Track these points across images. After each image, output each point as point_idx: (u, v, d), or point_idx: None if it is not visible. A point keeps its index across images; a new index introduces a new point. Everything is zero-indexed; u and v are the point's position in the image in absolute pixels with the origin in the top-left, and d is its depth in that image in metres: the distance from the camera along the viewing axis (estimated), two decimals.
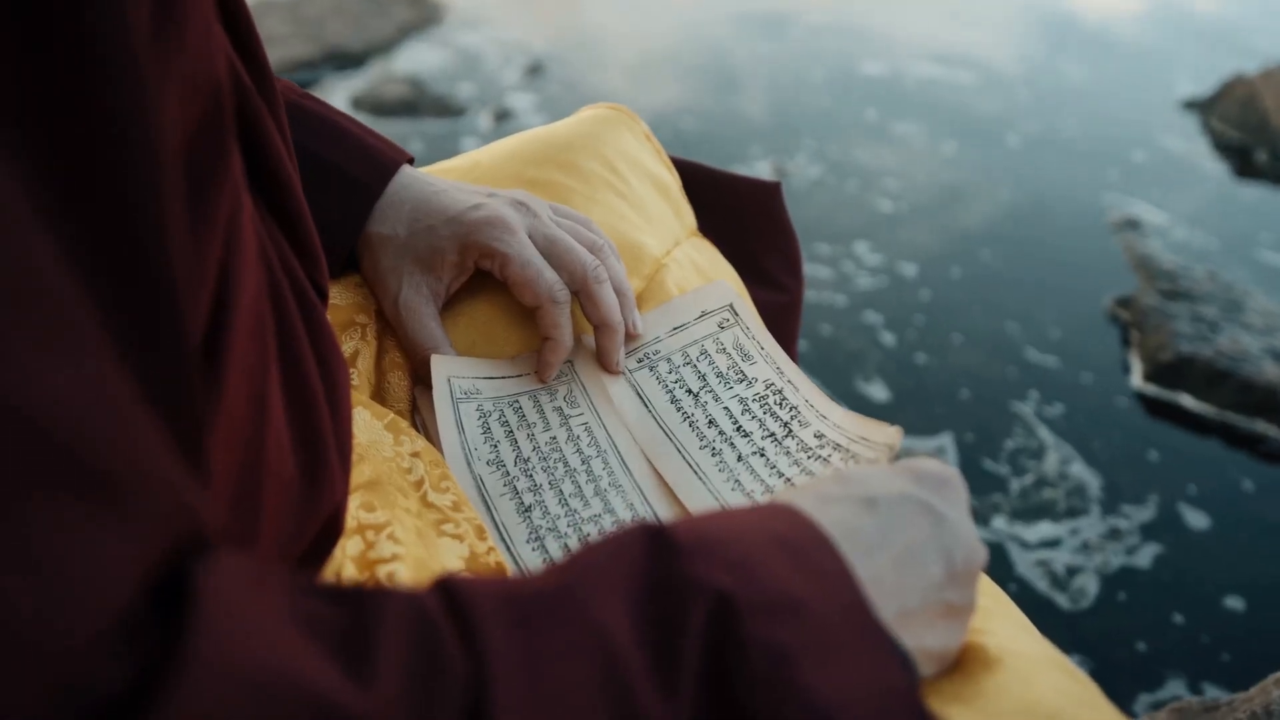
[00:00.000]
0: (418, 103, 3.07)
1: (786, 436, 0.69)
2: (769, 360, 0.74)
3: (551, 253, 0.70)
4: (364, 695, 0.27)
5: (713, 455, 0.68)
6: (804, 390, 0.73)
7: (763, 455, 0.68)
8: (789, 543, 0.39)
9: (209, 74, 0.34)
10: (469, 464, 0.66)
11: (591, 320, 0.72)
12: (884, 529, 0.43)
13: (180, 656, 0.25)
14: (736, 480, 0.66)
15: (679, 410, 0.71)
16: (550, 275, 0.69)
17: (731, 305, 0.77)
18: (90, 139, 0.27)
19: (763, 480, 0.66)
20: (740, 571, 0.36)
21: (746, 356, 0.74)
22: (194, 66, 0.32)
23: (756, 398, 0.71)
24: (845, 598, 0.37)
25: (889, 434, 0.69)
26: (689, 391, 0.72)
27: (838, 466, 0.64)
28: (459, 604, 0.32)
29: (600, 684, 0.32)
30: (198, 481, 0.30)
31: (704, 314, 0.75)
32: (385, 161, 0.72)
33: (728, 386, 0.72)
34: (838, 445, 0.69)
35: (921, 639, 0.42)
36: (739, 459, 0.68)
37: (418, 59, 3.50)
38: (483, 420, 0.68)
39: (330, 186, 0.69)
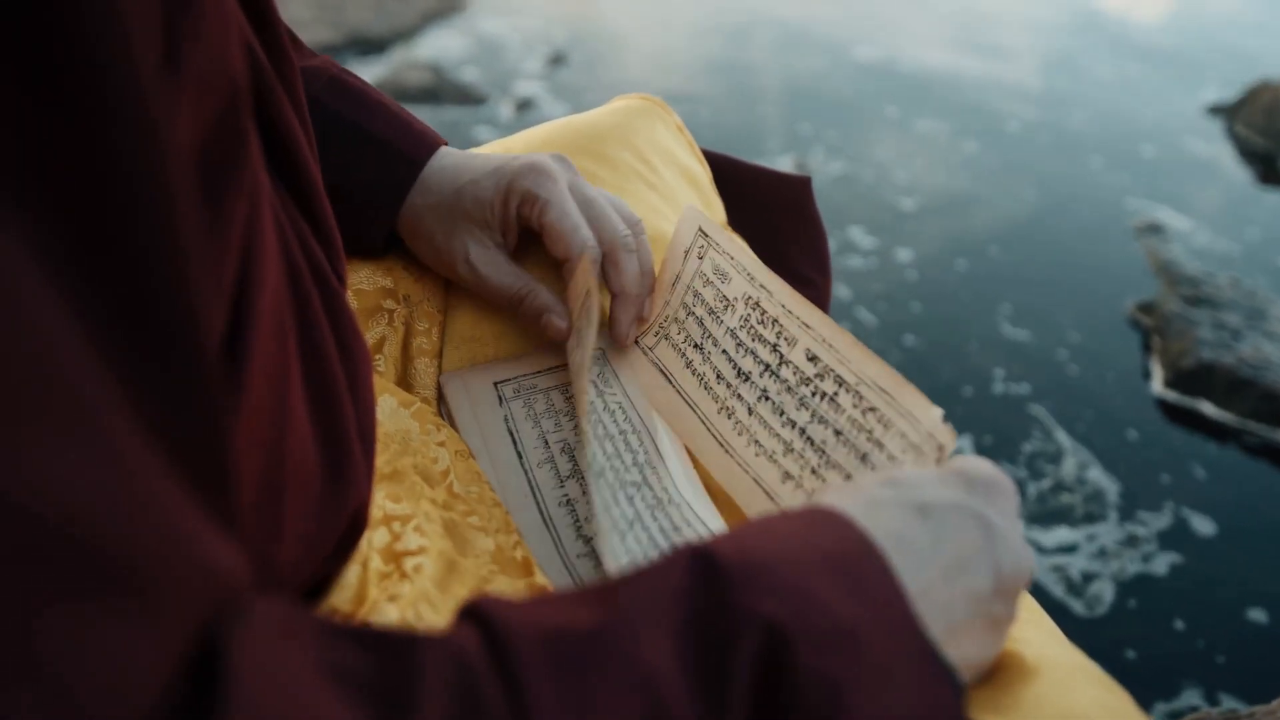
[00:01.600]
0: (439, 90, 3.06)
1: (780, 365, 0.65)
2: (740, 270, 0.69)
3: (588, 213, 0.69)
4: None
5: (729, 418, 0.66)
6: (779, 295, 0.67)
7: (767, 398, 0.64)
8: (839, 562, 0.38)
9: (226, 72, 0.33)
10: (525, 468, 0.65)
11: (612, 288, 0.70)
12: (935, 539, 0.42)
13: None
14: (755, 441, 0.64)
15: (694, 374, 0.69)
16: (586, 231, 0.68)
17: (700, 228, 0.71)
18: (98, 190, 0.25)
19: (778, 435, 0.63)
20: (789, 598, 0.35)
21: (724, 277, 0.69)
22: (209, 68, 0.31)
23: (742, 323, 0.67)
24: (897, 620, 0.37)
25: (933, 418, 0.57)
26: (695, 346, 0.70)
27: (852, 415, 0.60)
28: (499, 647, 0.31)
29: None
30: (227, 534, 0.29)
31: (686, 253, 0.72)
32: (429, 138, 0.71)
33: (719, 322, 0.69)
34: (841, 380, 0.62)
35: (965, 651, 0.42)
36: (749, 412, 0.65)
37: (439, 46, 3.49)
38: (532, 417, 0.67)
39: (373, 157, 0.69)
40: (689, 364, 0.70)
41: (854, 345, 0.62)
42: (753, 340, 0.67)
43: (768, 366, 0.66)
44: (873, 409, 0.59)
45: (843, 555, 0.38)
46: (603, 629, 0.33)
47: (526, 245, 0.73)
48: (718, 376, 0.68)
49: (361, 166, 0.69)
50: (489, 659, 0.31)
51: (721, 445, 0.65)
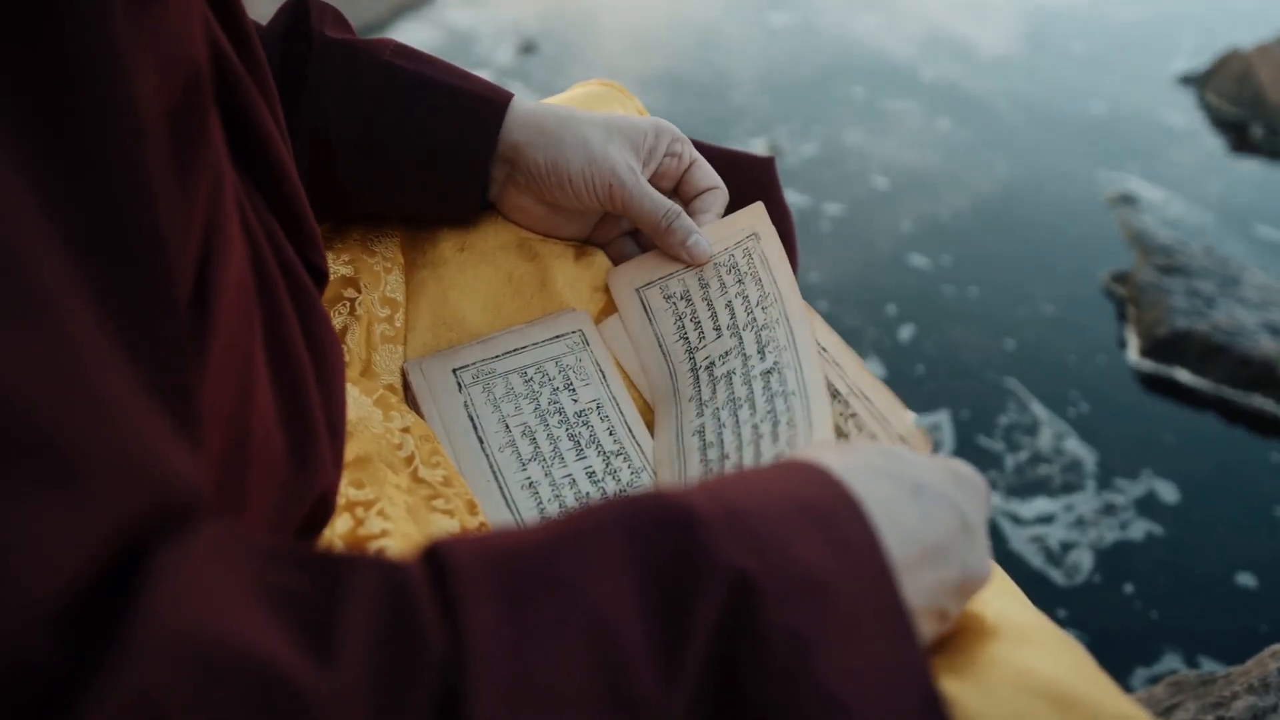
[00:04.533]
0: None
1: (768, 364, 0.68)
2: (768, 273, 0.73)
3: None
4: (322, 674, 0.26)
5: (699, 394, 0.68)
6: (788, 300, 0.71)
7: (747, 385, 0.67)
8: (815, 509, 0.38)
9: (187, 55, 0.33)
10: (486, 452, 0.65)
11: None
12: (923, 520, 0.42)
13: (124, 632, 0.24)
14: (721, 424, 0.66)
15: (685, 346, 0.71)
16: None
17: (755, 232, 0.76)
18: (73, 104, 0.26)
19: (750, 420, 0.65)
20: (763, 547, 0.35)
21: (752, 272, 0.74)
22: (172, 46, 0.32)
23: (747, 317, 0.71)
24: (871, 573, 0.36)
25: (906, 423, 0.63)
26: (696, 323, 0.72)
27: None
28: (444, 574, 0.31)
29: (593, 666, 0.30)
30: (187, 445, 0.29)
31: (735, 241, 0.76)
32: (502, 91, 0.73)
33: (725, 304, 0.73)
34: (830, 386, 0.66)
35: None
36: (727, 397, 0.67)
37: (410, 38, 3.46)
38: (492, 402, 0.68)
39: (461, 106, 0.70)
40: (684, 336, 0.72)
41: (847, 352, 0.67)
42: (745, 328, 0.69)
43: (746, 355, 0.68)
44: (853, 415, 0.61)
45: (819, 505, 0.38)
46: (552, 554, 0.33)
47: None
48: (706, 361, 0.70)
49: (448, 114, 0.70)
50: (428, 583, 0.30)
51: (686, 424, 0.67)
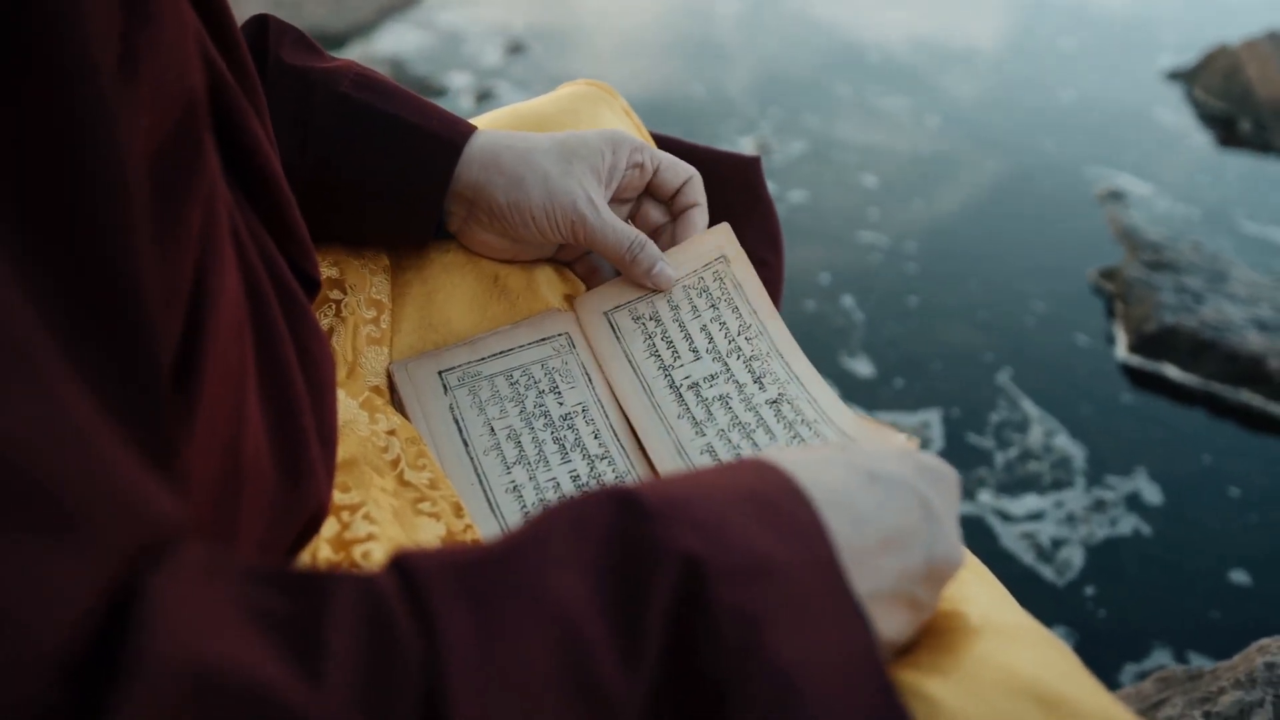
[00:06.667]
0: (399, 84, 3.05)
1: (750, 381, 0.70)
2: (743, 299, 0.74)
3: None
4: (314, 693, 0.27)
5: (681, 420, 0.69)
6: (771, 330, 0.74)
7: (727, 408, 0.69)
8: (760, 497, 0.39)
9: (183, 82, 0.33)
10: (471, 456, 0.65)
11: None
12: (880, 506, 0.42)
13: (125, 667, 0.24)
14: (701, 434, 0.67)
15: (660, 368, 0.72)
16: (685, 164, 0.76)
17: (724, 254, 0.76)
18: (53, 169, 0.27)
19: (728, 439, 0.67)
20: (709, 532, 0.36)
21: (729, 298, 0.75)
22: (168, 77, 0.32)
23: (728, 342, 0.72)
24: (817, 555, 0.37)
25: (893, 440, 0.66)
26: (669, 344, 0.73)
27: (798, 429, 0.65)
28: (412, 581, 0.32)
29: (558, 657, 0.31)
30: (170, 487, 0.29)
31: (704, 264, 0.77)
32: (461, 122, 0.72)
33: (701, 331, 0.73)
34: (803, 417, 0.68)
35: (881, 624, 0.42)
36: (705, 417, 0.69)
37: (398, 40, 3.47)
38: (478, 405, 0.68)
39: (414, 144, 0.69)
40: (655, 353, 0.72)
41: (824, 390, 0.70)
42: (730, 355, 0.71)
43: (740, 384, 0.70)
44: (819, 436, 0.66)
45: (764, 493, 0.39)
46: (511, 558, 0.34)
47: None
48: (688, 381, 0.70)
49: (399, 152, 0.68)
50: (401, 594, 0.31)
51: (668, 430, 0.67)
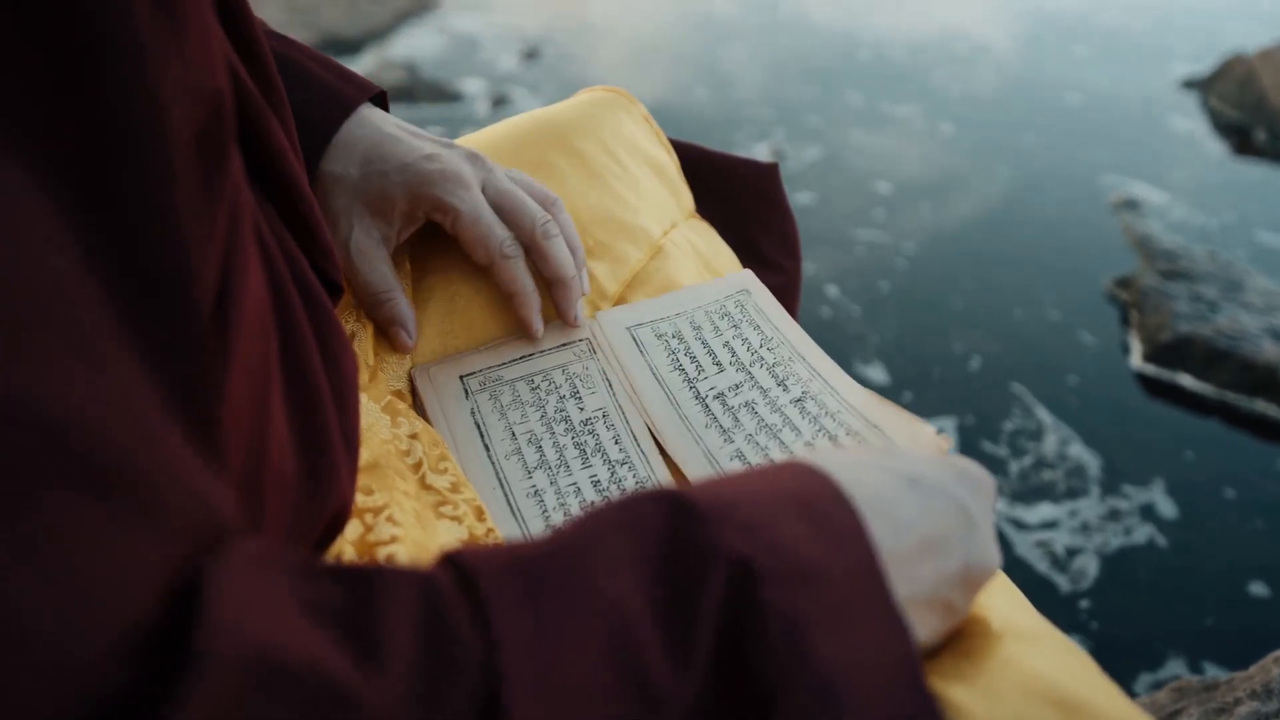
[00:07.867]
0: (414, 89, 3.06)
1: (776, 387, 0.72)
2: (769, 324, 0.77)
3: (502, 206, 0.70)
4: (375, 684, 0.27)
5: (708, 428, 0.69)
6: (799, 345, 0.76)
7: (755, 414, 0.71)
8: (806, 502, 0.39)
9: (209, 84, 0.34)
10: (492, 460, 0.65)
11: (544, 275, 0.72)
12: (920, 511, 0.42)
13: (190, 656, 0.25)
14: (730, 441, 0.68)
15: (683, 378, 0.72)
16: (501, 231, 0.69)
17: (746, 288, 0.79)
18: (103, 134, 0.27)
19: (758, 444, 0.68)
20: (758, 535, 0.36)
21: (751, 322, 0.77)
22: (194, 76, 0.32)
23: (750, 355, 0.75)
24: (859, 560, 0.37)
25: (921, 432, 0.67)
26: (692, 358, 0.74)
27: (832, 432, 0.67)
28: (465, 577, 0.32)
29: (613, 659, 0.31)
30: (220, 479, 0.30)
31: (720, 296, 0.79)
32: (345, 100, 0.70)
33: (724, 345, 0.75)
34: (834, 419, 0.70)
35: (916, 629, 0.42)
36: (732, 423, 0.70)
37: (414, 45, 3.48)
38: (499, 410, 0.68)
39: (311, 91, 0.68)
40: (678, 364, 0.73)
41: (848, 382, 0.72)
42: (753, 365, 0.73)
43: (764, 389, 0.72)
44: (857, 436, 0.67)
45: (810, 499, 0.39)
46: (566, 559, 0.34)
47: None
48: (714, 391, 0.71)
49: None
50: (456, 589, 0.32)
51: (696, 442, 0.68)
